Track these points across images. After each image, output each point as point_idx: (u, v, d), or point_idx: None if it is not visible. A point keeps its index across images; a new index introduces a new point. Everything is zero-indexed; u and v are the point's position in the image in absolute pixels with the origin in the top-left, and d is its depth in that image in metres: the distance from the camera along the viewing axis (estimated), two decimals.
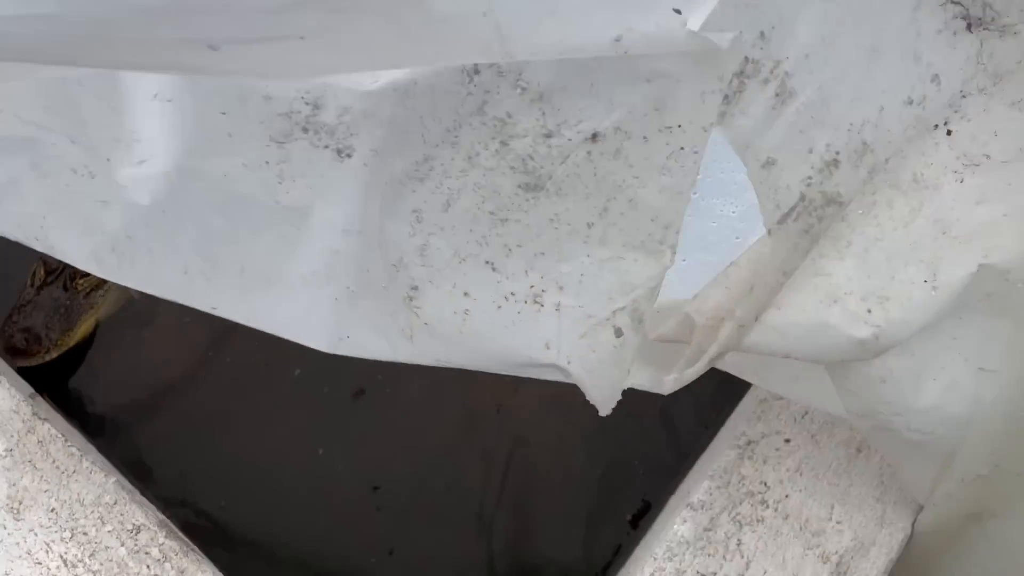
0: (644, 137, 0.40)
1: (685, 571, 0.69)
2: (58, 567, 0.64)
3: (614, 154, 0.41)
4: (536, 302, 0.47)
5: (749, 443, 0.74)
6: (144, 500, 0.69)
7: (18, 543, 0.65)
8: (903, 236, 0.47)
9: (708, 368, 0.49)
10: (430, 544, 1.08)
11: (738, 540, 0.70)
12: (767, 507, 0.71)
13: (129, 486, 0.69)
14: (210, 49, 0.32)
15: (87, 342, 0.95)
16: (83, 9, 0.29)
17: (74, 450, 0.68)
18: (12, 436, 0.68)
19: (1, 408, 0.69)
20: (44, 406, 0.72)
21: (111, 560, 0.65)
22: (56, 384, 0.93)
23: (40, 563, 0.64)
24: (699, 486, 0.72)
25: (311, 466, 1.09)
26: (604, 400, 0.49)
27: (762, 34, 0.40)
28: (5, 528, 0.65)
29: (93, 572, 0.65)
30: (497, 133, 0.42)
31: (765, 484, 0.72)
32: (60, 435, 0.69)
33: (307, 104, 0.43)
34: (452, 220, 0.45)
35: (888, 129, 0.45)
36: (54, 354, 0.88)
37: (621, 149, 0.41)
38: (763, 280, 0.46)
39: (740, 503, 0.72)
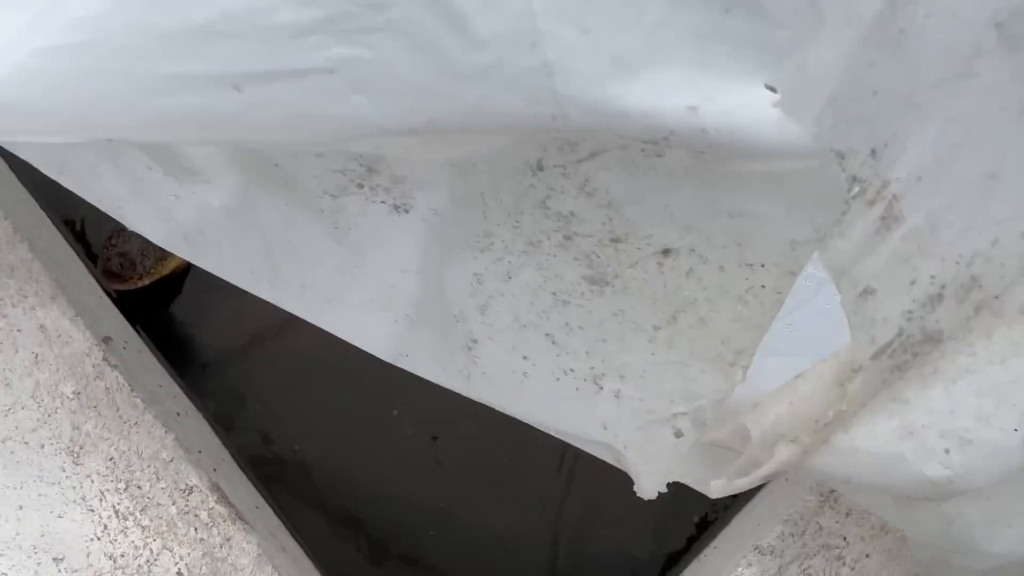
0: (721, 267, 0.36)
1: None
2: (109, 517, 0.65)
3: (686, 273, 0.37)
4: (596, 383, 0.44)
5: (832, 491, 0.68)
6: (200, 460, 0.69)
7: (75, 487, 0.65)
8: (999, 373, 0.41)
9: (760, 483, 0.45)
10: (490, 514, 1.07)
11: None
12: (843, 564, 0.66)
13: (187, 444, 0.69)
14: (234, 90, 0.29)
15: (182, 274, 0.96)
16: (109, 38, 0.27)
17: (138, 401, 0.68)
18: (82, 379, 0.68)
19: (74, 350, 0.69)
20: (117, 352, 0.73)
21: (161, 518, 0.65)
22: (150, 314, 0.94)
23: (93, 510, 0.65)
24: (771, 530, 0.67)
25: (384, 425, 1.08)
26: (651, 490, 0.46)
27: (873, 152, 0.34)
28: (64, 471, 0.65)
29: (143, 527, 0.65)
30: (561, 227, 0.38)
31: (845, 539, 0.66)
32: (127, 384, 0.69)
33: (361, 166, 0.41)
34: (513, 290, 0.43)
35: (1002, 264, 0.39)
36: (147, 281, 0.89)
37: (694, 270, 0.36)
38: (842, 416, 0.41)
39: (814, 555, 0.66)
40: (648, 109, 0.29)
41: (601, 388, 0.44)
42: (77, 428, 0.67)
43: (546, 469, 1.04)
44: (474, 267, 0.43)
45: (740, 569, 0.66)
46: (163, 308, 0.97)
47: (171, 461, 0.67)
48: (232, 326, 1.00)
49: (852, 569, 0.65)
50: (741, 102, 0.29)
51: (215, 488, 0.67)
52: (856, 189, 0.36)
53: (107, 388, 0.68)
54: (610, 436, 0.45)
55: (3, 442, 0.66)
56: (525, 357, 0.45)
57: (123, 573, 0.63)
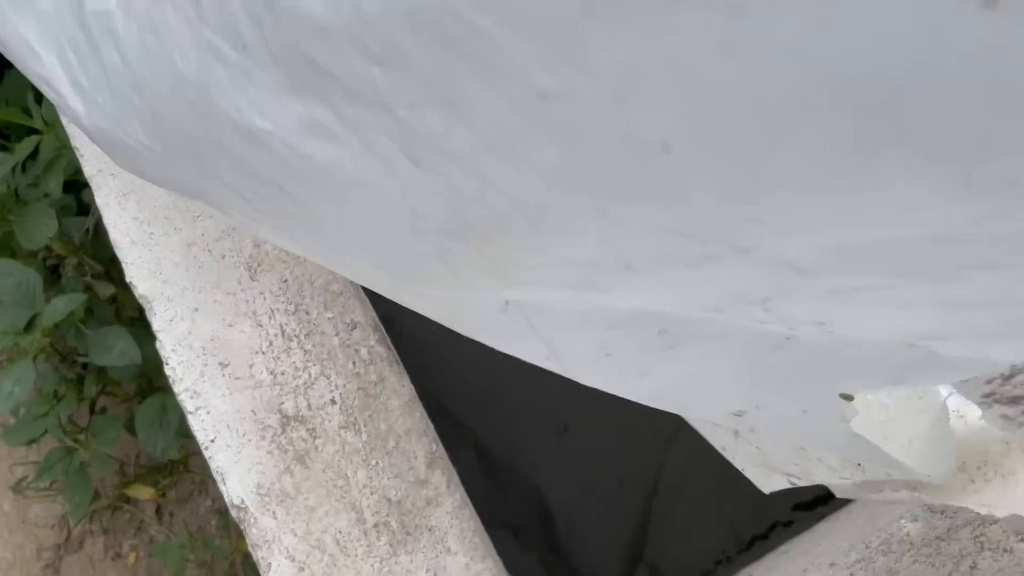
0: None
1: (899, 572, 0.60)
2: (276, 335, 0.66)
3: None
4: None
5: None
6: (366, 300, 0.69)
7: (248, 300, 0.67)
8: None
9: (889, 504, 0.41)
10: (604, 439, 1.04)
11: (973, 563, 0.60)
12: (1021, 540, 0.60)
13: (356, 284, 0.69)
14: None
15: None
16: None
17: None
18: None
19: None
20: None
21: (323, 346, 0.66)
22: None
23: (261, 326, 0.66)
24: None
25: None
26: (769, 490, 0.44)
27: None
28: (240, 283, 0.67)
29: (305, 351, 0.66)
30: None
31: None
32: None
33: None
34: None
35: None
36: None
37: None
38: (996, 467, 0.36)
39: (991, 523, 0.60)
40: (681, 406, 0.29)
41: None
42: (257, 246, 0.68)
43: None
44: None
45: (903, 521, 0.61)
46: None
47: (340, 294, 0.67)
48: None
49: None
50: (805, 415, 0.27)
51: (377, 328, 0.67)
52: None
53: None
54: (728, 456, 0.43)
55: (188, 246, 0.67)
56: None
57: (281, 389, 0.64)
